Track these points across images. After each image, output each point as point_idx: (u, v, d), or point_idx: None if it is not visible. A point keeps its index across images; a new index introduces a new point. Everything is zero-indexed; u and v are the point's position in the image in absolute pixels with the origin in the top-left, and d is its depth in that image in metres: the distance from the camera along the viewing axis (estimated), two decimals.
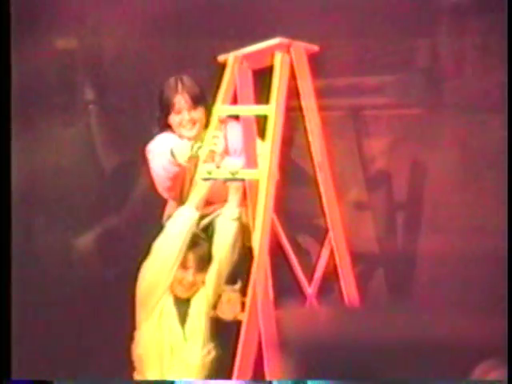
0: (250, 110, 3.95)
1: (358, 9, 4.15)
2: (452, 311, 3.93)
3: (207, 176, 3.82)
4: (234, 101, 3.98)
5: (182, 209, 3.84)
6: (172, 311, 3.83)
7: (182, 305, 3.85)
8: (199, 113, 3.97)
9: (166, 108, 3.95)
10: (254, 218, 3.84)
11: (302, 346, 3.03)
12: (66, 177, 4.33)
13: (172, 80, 3.97)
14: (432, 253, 4.21)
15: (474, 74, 4.20)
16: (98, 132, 4.38)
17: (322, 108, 4.05)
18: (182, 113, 3.95)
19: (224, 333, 3.91)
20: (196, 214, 3.79)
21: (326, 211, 4.06)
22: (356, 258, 4.15)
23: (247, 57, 3.93)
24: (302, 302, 4.01)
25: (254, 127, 3.95)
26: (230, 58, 3.94)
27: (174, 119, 3.96)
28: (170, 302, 3.83)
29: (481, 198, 4.21)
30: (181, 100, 3.93)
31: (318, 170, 4.03)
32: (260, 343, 3.73)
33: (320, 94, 4.05)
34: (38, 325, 4.28)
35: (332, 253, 4.09)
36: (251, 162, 3.94)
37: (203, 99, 3.97)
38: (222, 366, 3.87)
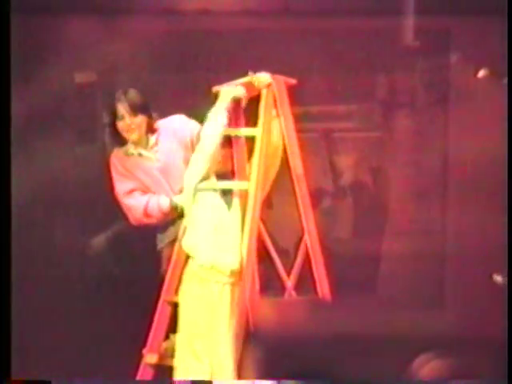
0: (241, 131, 4.18)
1: (329, 49, 4.44)
2: (408, 304, 4.20)
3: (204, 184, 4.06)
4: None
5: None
6: (216, 195, 4.02)
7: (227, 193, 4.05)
8: (139, 119, 4.15)
9: (111, 115, 4.17)
10: (243, 224, 4.05)
11: (281, 329, 3.03)
12: (85, 185, 4.50)
13: (119, 92, 4.17)
14: (390, 251, 4.51)
15: (421, 105, 4.52)
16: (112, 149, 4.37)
17: (299, 130, 4.26)
18: (125, 119, 4.15)
19: None
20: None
21: (302, 216, 4.26)
22: (328, 256, 4.32)
23: None
24: (281, 292, 4.23)
25: (244, 146, 4.17)
26: None
27: (119, 125, 4.17)
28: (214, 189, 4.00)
29: (428, 204, 4.52)
30: (122, 108, 4.14)
31: (296, 182, 4.24)
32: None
33: (297, 119, 4.27)
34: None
35: (307, 252, 4.28)
36: (241, 175, 4.15)
37: (144, 108, 4.16)
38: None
